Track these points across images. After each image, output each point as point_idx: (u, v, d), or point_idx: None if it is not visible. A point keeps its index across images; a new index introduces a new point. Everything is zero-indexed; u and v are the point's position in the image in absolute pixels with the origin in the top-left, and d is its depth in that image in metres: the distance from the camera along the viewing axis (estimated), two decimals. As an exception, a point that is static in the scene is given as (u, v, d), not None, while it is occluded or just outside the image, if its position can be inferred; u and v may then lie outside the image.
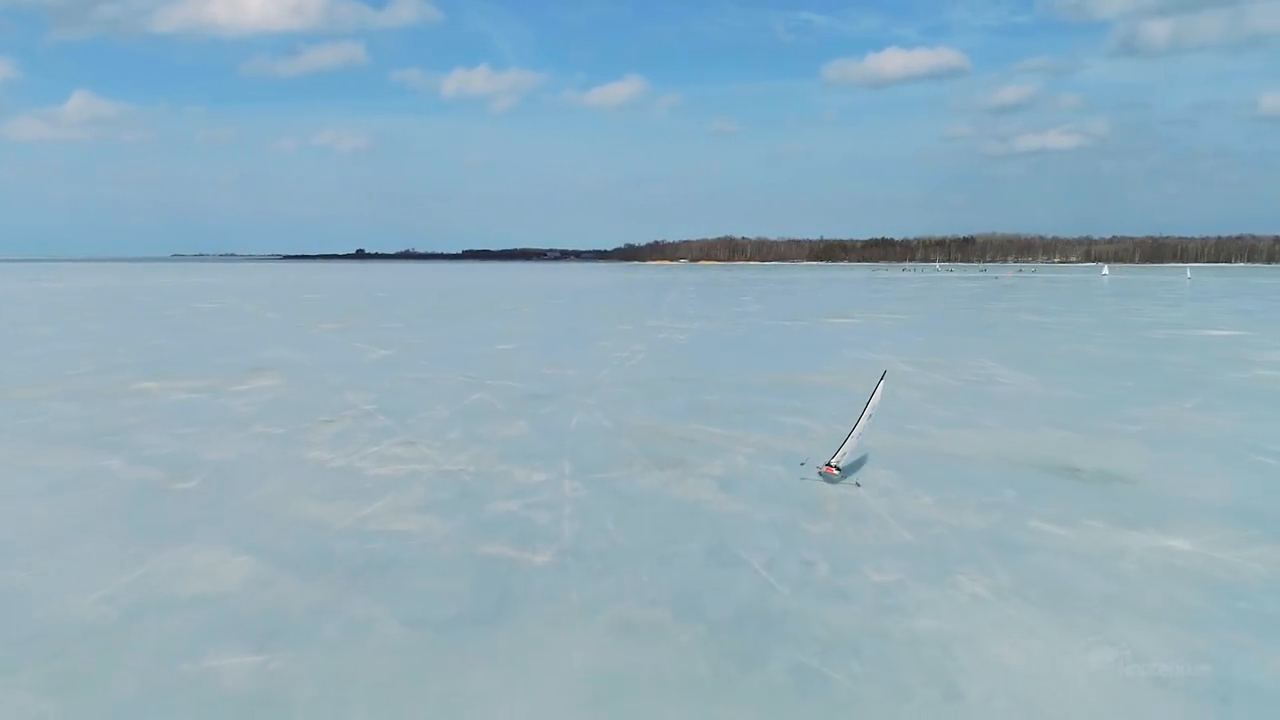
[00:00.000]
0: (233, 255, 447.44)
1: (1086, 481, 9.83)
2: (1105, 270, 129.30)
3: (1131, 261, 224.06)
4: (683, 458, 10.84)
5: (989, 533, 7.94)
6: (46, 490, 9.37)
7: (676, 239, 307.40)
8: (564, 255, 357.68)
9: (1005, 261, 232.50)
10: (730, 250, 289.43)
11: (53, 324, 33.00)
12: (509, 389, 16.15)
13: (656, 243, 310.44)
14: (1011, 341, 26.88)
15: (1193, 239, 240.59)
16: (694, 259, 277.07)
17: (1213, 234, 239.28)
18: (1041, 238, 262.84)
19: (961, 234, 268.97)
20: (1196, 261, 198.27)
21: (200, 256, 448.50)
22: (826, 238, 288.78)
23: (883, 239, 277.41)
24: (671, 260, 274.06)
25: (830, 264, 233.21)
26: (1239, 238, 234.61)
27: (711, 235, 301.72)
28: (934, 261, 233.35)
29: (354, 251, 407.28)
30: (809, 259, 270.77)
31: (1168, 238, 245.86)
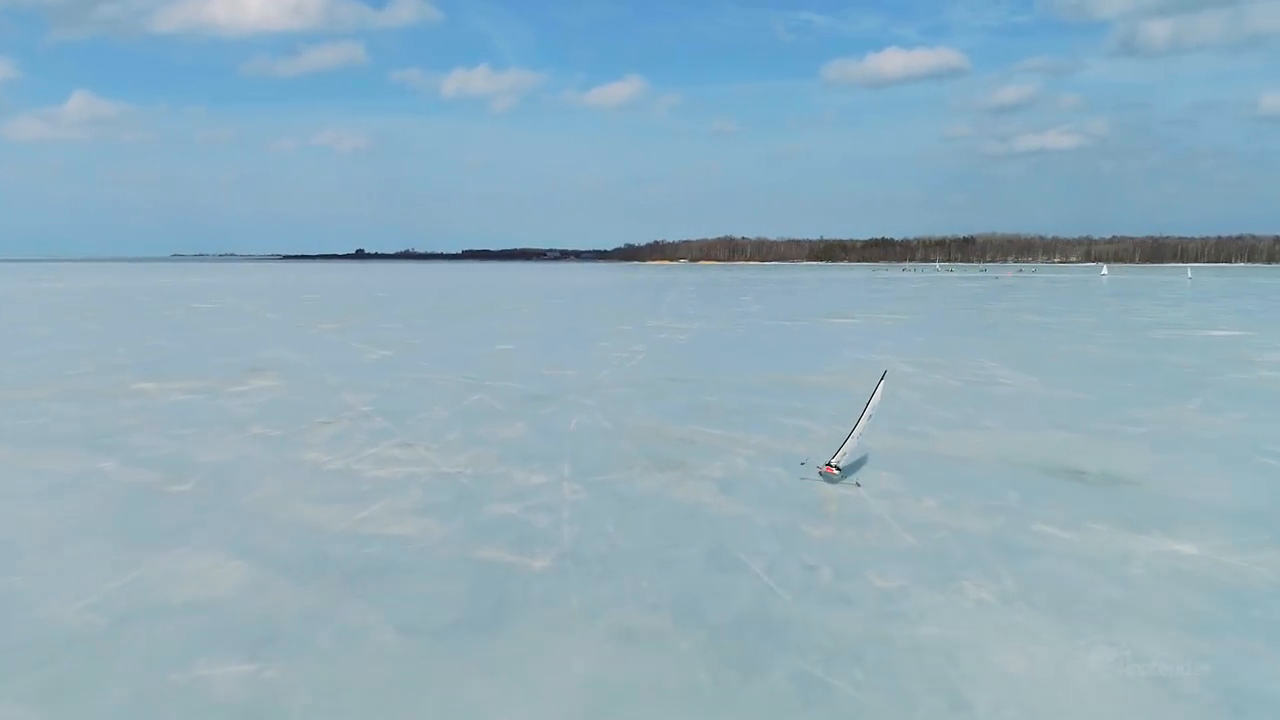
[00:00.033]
0: (232, 255, 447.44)
1: (1091, 484, 9.73)
2: (1104, 270, 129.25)
3: (1131, 261, 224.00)
4: (683, 459, 10.74)
5: (993, 536, 7.84)
6: (41, 492, 9.27)
7: (676, 239, 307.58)
8: (564, 255, 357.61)
9: (1005, 261, 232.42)
10: (730, 250, 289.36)
11: (51, 324, 32.90)
12: (508, 390, 16.05)
13: (656, 243, 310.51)
14: (1012, 342, 26.79)
15: (1193, 239, 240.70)
16: (694, 259, 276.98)
17: (1213, 234, 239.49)
18: (1041, 238, 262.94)
19: (961, 234, 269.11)
20: (1196, 261, 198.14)
21: (200, 256, 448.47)
22: (826, 238, 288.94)
23: (883, 239, 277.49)
24: (671, 260, 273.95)
25: (830, 264, 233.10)
26: (1239, 238, 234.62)
27: (711, 235, 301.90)
28: (934, 261, 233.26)
29: (354, 251, 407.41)
30: (809, 259, 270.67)
31: (1168, 238, 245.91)
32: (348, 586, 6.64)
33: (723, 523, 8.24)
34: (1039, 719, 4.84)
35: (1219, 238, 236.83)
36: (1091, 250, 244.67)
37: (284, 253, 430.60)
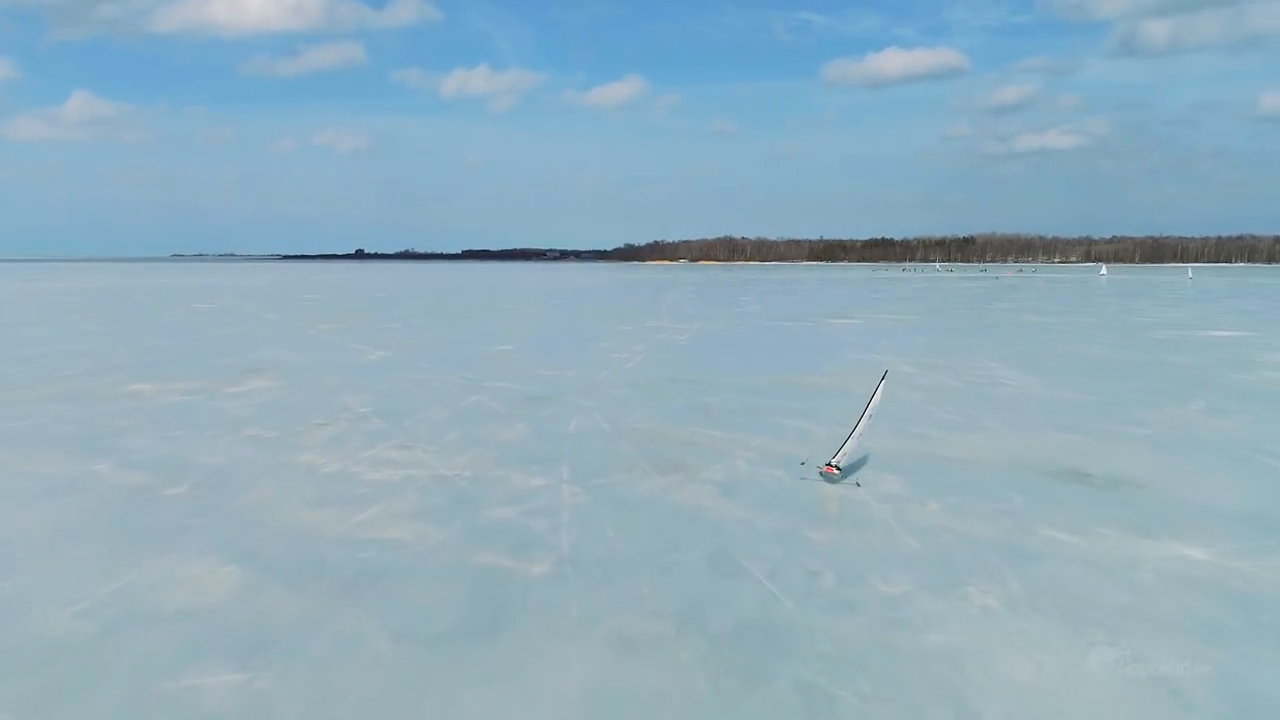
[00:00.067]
0: (232, 255, 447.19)
1: (1096, 487, 9.62)
2: (1103, 270, 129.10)
3: (1132, 261, 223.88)
4: (683, 462, 10.63)
5: (998, 541, 7.73)
6: (34, 495, 9.15)
7: (676, 239, 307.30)
8: (564, 255, 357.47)
9: (1005, 261, 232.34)
10: (730, 250, 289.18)
11: (49, 324, 32.79)
12: (507, 391, 15.93)
13: (656, 243, 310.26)
14: (1014, 342, 26.67)
15: (1193, 239, 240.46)
16: (694, 259, 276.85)
17: (1213, 234, 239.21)
18: (1041, 238, 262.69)
19: (961, 234, 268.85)
20: (1196, 261, 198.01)
21: (200, 256, 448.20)
22: (826, 238, 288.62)
23: (883, 239, 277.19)
24: (671, 260, 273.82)
25: (830, 264, 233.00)
26: (1239, 238, 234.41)
27: (711, 235, 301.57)
28: (934, 261, 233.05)
29: (353, 251, 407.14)
30: (809, 259, 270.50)
31: (1168, 238, 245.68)
32: (342, 592, 6.52)
33: (724, 526, 8.13)
34: (1048, 730, 4.73)
35: (1219, 238, 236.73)
36: (1091, 250, 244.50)
37: (284, 253, 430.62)
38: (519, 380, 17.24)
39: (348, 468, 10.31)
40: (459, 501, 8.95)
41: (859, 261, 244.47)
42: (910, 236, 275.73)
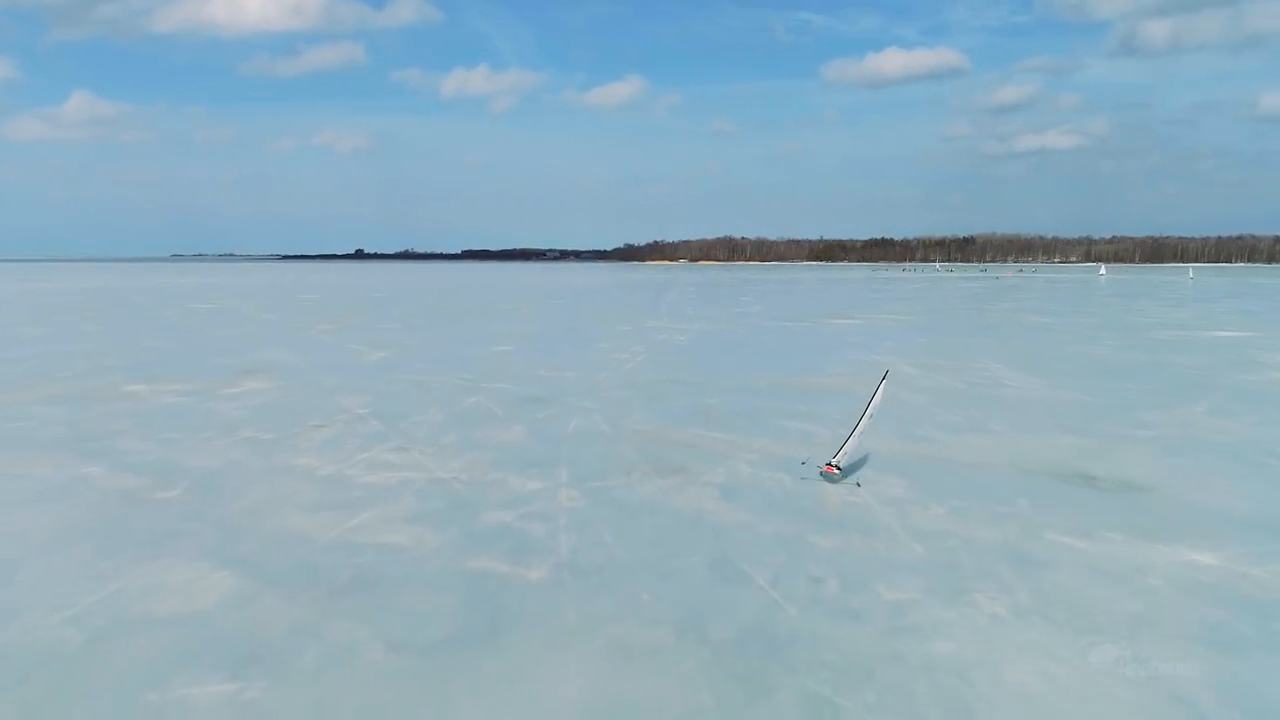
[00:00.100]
0: (232, 255, 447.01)
1: (1103, 490, 9.48)
2: (1103, 270, 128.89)
3: (1131, 261, 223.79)
4: (683, 464, 10.49)
5: (1005, 546, 7.59)
6: (23, 499, 9.01)
7: (676, 239, 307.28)
8: (563, 255, 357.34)
9: (1005, 261, 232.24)
10: (730, 250, 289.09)
11: (46, 325, 32.64)
12: (506, 392, 15.80)
13: (656, 243, 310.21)
14: (1015, 343, 26.53)
15: (1193, 239, 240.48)
16: (693, 259, 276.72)
17: (1213, 234, 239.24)
18: (1041, 238, 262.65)
19: (961, 234, 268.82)
20: (1196, 261, 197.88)
21: (199, 256, 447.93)
22: (826, 238, 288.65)
23: (883, 239, 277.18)
24: (671, 260, 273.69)
25: (830, 264, 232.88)
26: (1239, 238, 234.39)
27: (711, 235, 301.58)
28: (934, 261, 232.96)
29: (353, 251, 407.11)
30: (809, 259, 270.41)
31: (1168, 238, 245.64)
32: (336, 600, 6.39)
33: (725, 531, 7.99)
34: (1061, 744, 4.59)
35: (1219, 238, 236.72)
36: (1091, 250, 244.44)
37: (283, 253, 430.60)
38: (518, 381, 17.10)
39: (343, 470, 10.17)
40: (456, 505, 8.81)
41: (859, 261, 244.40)
42: (910, 236, 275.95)
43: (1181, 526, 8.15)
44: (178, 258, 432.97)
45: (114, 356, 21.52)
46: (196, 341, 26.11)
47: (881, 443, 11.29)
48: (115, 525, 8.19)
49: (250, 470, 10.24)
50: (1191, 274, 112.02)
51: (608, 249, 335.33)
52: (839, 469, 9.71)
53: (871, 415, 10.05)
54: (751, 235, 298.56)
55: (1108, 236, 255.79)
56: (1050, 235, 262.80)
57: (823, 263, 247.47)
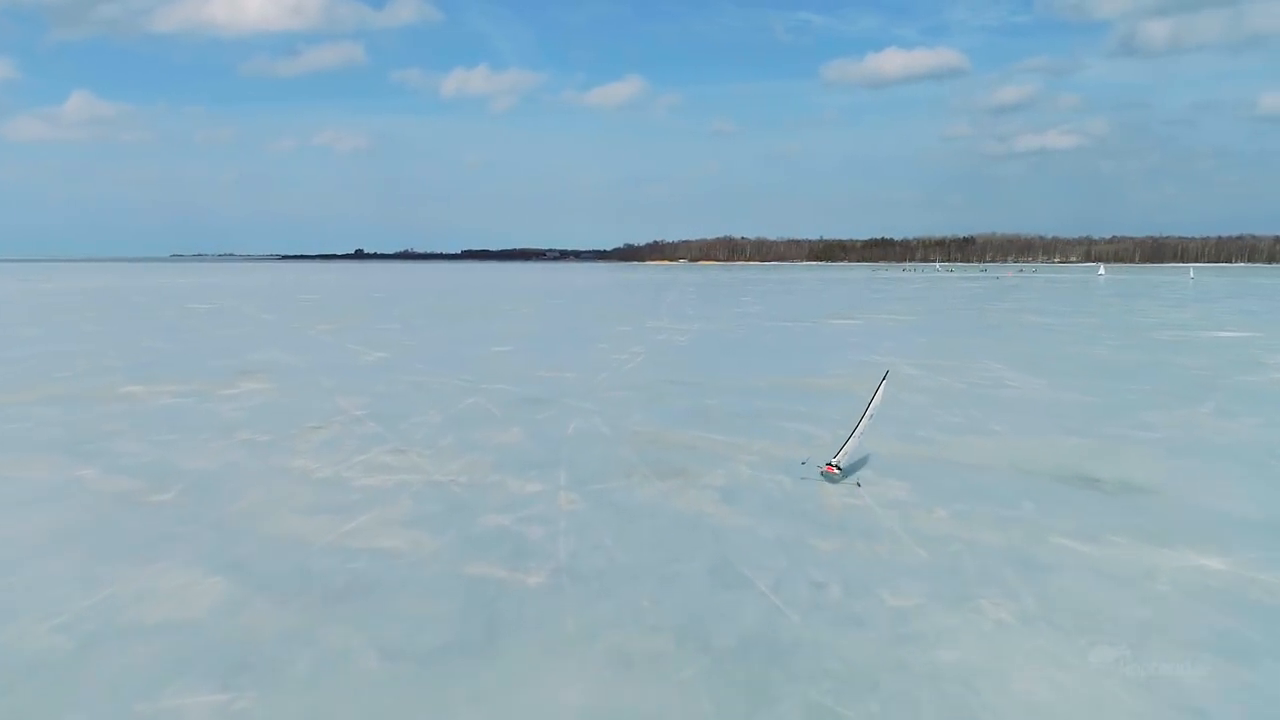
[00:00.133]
0: (231, 255, 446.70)
1: (1107, 492, 9.38)
2: (1101, 270, 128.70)
3: (1132, 261, 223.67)
4: (684, 467, 10.39)
5: (1009, 550, 7.49)
6: (15, 502, 8.91)
7: (676, 239, 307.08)
8: (563, 255, 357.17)
9: (1005, 261, 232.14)
10: (730, 250, 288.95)
11: (44, 325, 32.55)
12: (505, 393, 15.70)
13: (656, 243, 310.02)
14: (1016, 343, 26.43)
15: (1193, 239, 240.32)
16: (693, 259, 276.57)
17: (1213, 234, 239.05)
18: (1041, 238, 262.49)
19: (961, 234, 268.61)
20: (1196, 261, 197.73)
21: (199, 256, 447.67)
22: (826, 238, 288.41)
23: (882, 239, 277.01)
24: (671, 260, 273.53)
25: (830, 264, 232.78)
26: (1239, 238, 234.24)
27: (711, 235, 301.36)
28: (934, 261, 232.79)
29: (353, 251, 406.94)
30: (808, 259, 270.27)
31: (1168, 238, 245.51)
32: (330, 606, 6.28)
33: (726, 535, 7.89)
34: (1070, 756, 4.49)
35: (1219, 238, 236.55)
36: (1091, 250, 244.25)
37: (283, 253, 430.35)
38: (517, 382, 17.00)
39: (340, 473, 10.07)
40: (454, 508, 8.71)
41: (859, 261, 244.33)
42: (910, 236, 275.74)
43: (1188, 530, 8.05)
44: (177, 258, 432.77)
45: (112, 357, 21.42)
46: (195, 342, 26.01)
47: (883, 444, 11.19)
48: (109, 529, 8.08)
49: (246, 472, 10.14)
50: (1192, 274, 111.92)
51: (607, 249, 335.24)
52: (839, 469, 9.69)
53: (872, 415, 9.99)
54: (751, 235, 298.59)
55: (1108, 236, 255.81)
56: (1050, 235, 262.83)
57: (823, 263, 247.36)
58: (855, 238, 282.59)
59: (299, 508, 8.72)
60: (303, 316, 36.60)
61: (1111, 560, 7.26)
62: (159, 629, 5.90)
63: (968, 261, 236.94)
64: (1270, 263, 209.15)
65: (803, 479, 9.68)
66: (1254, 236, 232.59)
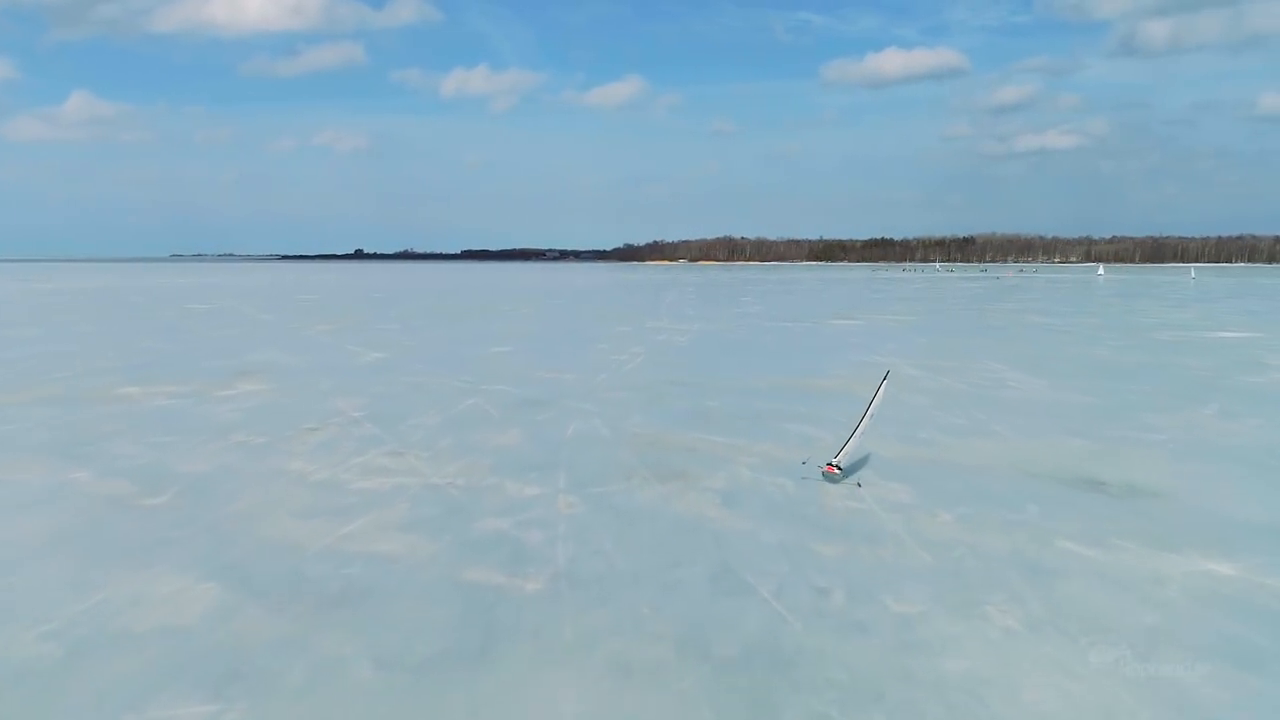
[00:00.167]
0: (231, 255, 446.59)
1: (1113, 496, 9.26)
2: (1100, 270, 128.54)
3: (1132, 261, 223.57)
4: (684, 469, 10.27)
5: (1015, 555, 7.37)
6: (7, 506, 8.79)
7: (676, 239, 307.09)
8: (563, 255, 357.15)
9: (1005, 261, 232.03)
10: (729, 250, 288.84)
11: (41, 325, 32.42)
12: (504, 394, 15.58)
13: (656, 243, 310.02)
14: (1018, 343, 26.32)
15: (1193, 239, 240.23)
16: (693, 259, 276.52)
17: (1213, 234, 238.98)
18: (1041, 238, 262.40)
19: (961, 234, 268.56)
20: (1197, 261, 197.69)
21: (199, 257, 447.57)
22: (826, 238, 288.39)
23: (882, 239, 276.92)
24: (671, 260, 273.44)
25: (830, 264, 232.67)
26: (1239, 238, 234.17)
27: (711, 235, 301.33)
28: (934, 261, 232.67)
29: (352, 252, 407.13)
30: (808, 259, 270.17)
31: (1168, 238, 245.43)
32: (324, 613, 6.17)
33: (727, 539, 7.77)
34: (1080, 769, 4.38)
35: (1219, 238, 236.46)
36: (1091, 250, 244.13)
37: (283, 253, 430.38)
38: (516, 383, 16.89)
39: (337, 475, 9.95)
40: (451, 512, 8.59)
41: (859, 261, 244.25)
42: (910, 236, 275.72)
43: (1195, 534, 7.94)
44: (177, 258, 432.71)
45: (109, 358, 21.31)
46: (192, 342, 25.90)
47: (885, 446, 11.09)
48: (101, 533, 7.97)
49: (242, 475, 10.02)
50: (1193, 274, 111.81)
51: (607, 249, 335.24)
52: (839, 469, 9.65)
53: (872, 415, 9.93)
54: (751, 235, 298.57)
55: (1108, 236, 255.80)
56: (1050, 235, 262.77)
57: (822, 263, 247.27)
58: (855, 238, 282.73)
59: (294, 511, 8.60)
60: (301, 317, 36.49)
61: (1118, 565, 7.14)
62: (150, 636, 5.79)
63: (968, 261, 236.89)
64: (1270, 263, 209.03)
65: (804, 478, 9.64)
66: (1254, 236, 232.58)
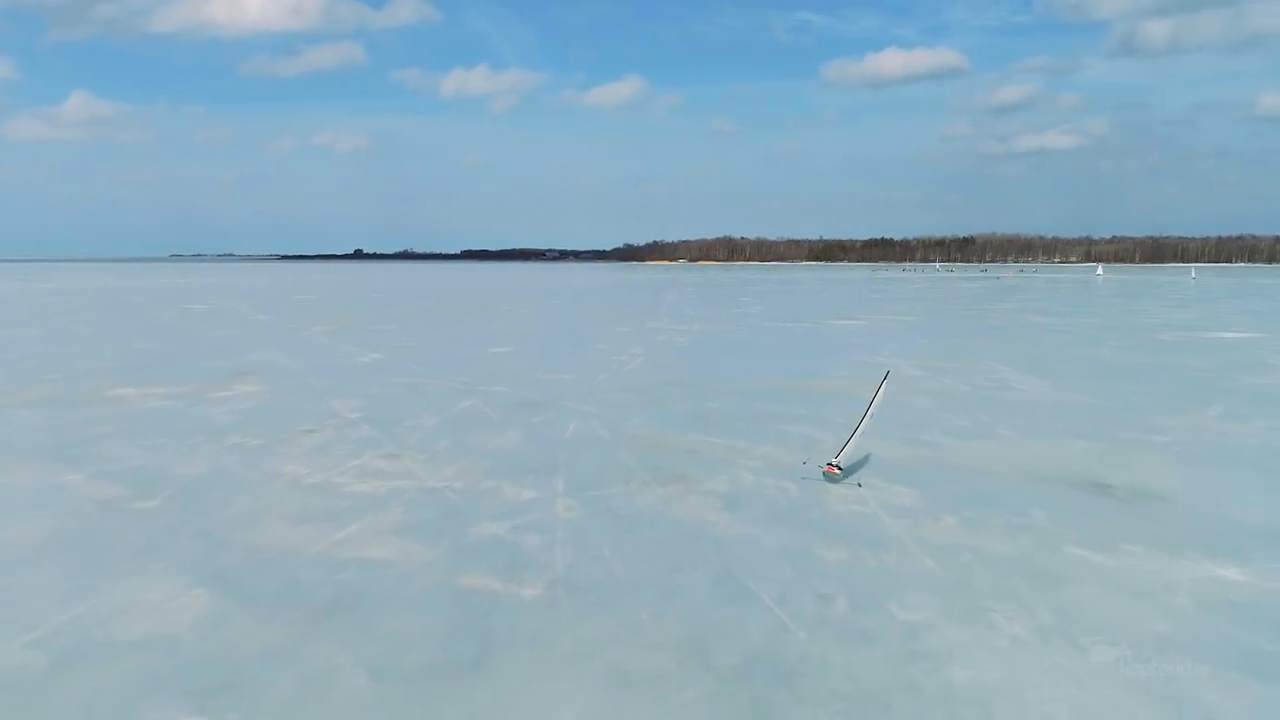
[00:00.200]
0: (231, 255, 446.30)
1: (1120, 500, 9.13)
2: (1099, 270, 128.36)
3: (1132, 261, 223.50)
4: (684, 472, 10.13)
5: (1021, 560, 7.23)
6: (-3, 510, 8.65)
7: (675, 239, 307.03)
8: (563, 255, 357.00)
9: (1005, 261, 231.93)
10: (729, 250, 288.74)
11: (38, 326, 32.28)
12: (502, 395, 15.44)
13: (655, 243, 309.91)
14: (1020, 344, 26.19)
15: (1193, 239, 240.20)
16: (693, 259, 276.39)
17: (1213, 234, 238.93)
18: (1041, 238, 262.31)
19: (961, 234, 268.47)
20: (1197, 261, 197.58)
21: (198, 257, 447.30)
22: (826, 238, 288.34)
23: (882, 239, 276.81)
24: (670, 260, 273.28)
25: (830, 264, 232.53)
26: (1239, 238, 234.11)
27: (710, 235, 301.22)
28: (934, 261, 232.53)
29: (352, 252, 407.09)
30: (808, 259, 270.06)
31: (1168, 238, 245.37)
32: (316, 621, 6.02)
33: (729, 545, 7.63)
34: (1094, 785, 4.24)
35: (1219, 238, 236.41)
36: (1091, 250, 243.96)
37: (282, 253, 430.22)
38: (515, 384, 16.75)
39: (332, 479, 9.81)
40: (447, 516, 8.46)
41: (858, 261, 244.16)
42: (910, 236, 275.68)
43: (1204, 539, 7.80)
44: (177, 258, 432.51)
45: (104, 358, 21.17)
46: (189, 343, 25.76)
47: (888, 448, 10.95)
48: (91, 538, 7.83)
49: (235, 478, 9.88)
50: (1194, 274, 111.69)
51: (607, 249, 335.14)
52: (840, 469, 9.58)
53: (873, 415, 9.85)
54: (751, 235, 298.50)
55: (1108, 236, 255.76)
56: (1050, 235, 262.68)
57: (822, 263, 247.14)
58: (855, 238, 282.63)
59: (288, 515, 8.47)
60: (299, 317, 36.34)
61: (1127, 571, 7.01)
62: (137, 646, 5.65)
63: (967, 261, 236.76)
64: (1270, 263, 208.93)
65: (804, 478, 9.56)
66: (1254, 236, 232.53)
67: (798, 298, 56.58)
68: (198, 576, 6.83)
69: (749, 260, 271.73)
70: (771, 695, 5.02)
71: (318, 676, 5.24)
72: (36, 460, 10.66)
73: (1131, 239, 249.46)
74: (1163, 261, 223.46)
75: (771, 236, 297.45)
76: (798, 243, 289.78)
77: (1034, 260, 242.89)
